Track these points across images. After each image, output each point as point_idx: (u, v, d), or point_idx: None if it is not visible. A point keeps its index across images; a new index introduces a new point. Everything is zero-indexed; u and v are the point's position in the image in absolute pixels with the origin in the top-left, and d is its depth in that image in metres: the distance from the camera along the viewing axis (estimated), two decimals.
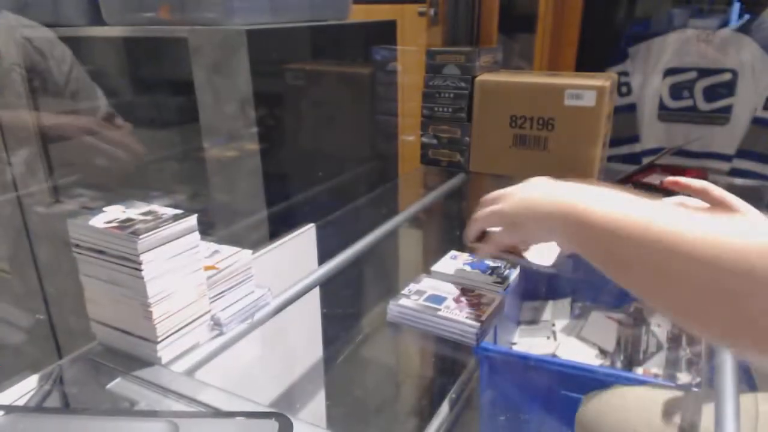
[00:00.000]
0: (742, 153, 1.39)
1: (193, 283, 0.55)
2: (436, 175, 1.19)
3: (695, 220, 0.41)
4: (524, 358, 0.87)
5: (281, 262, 0.81)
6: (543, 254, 0.69)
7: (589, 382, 0.77)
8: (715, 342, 0.42)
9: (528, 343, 1.08)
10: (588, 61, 1.58)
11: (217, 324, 0.58)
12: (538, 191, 0.55)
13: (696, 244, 0.39)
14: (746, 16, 1.38)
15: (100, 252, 0.51)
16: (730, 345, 0.41)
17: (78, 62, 1.17)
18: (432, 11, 1.49)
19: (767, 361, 0.40)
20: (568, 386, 0.83)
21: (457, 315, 0.63)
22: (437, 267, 0.75)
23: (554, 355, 1.03)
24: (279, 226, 1.05)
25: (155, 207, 0.54)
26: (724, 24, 1.38)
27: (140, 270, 0.49)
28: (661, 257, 0.41)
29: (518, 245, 0.70)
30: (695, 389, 0.85)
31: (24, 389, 0.50)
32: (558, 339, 1.07)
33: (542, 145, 1.08)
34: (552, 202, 0.51)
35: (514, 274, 0.74)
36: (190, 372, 0.54)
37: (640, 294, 0.45)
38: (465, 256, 0.77)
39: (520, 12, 1.74)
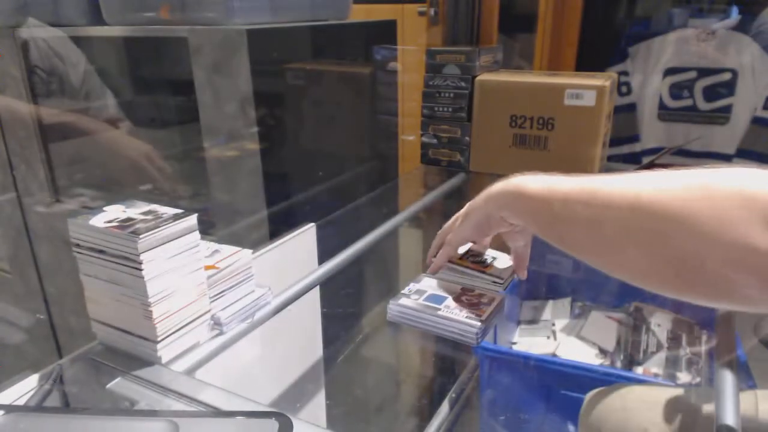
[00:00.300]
0: (742, 153, 1.39)
1: (194, 282, 0.55)
2: (436, 175, 1.19)
3: (619, 177, 0.45)
4: (524, 358, 0.87)
5: (281, 261, 0.81)
6: (500, 267, 0.71)
7: (589, 381, 0.77)
8: (642, 285, 0.44)
9: (528, 342, 1.08)
10: (588, 61, 1.58)
11: (217, 323, 0.58)
12: (485, 192, 0.61)
13: (613, 194, 0.43)
14: (745, 16, 1.38)
15: (101, 251, 0.51)
16: (653, 286, 0.44)
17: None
18: (432, 11, 1.49)
19: (690, 297, 0.42)
20: (568, 386, 0.83)
21: (457, 314, 0.63)
22: None
23: (554, 355, 1.03)
24: (279, 226, 1.05)
25: (155, 206, 0.54)
26: (724, 24, 1.38)
27: (140, 269, 0.49)
28: (581, 210, 0.46)
29: (477, 247, 0.72)
30: (695, 388, 0.85)
31: (24, 389, 0.50)
32: (558, 338, 1.07)
33: (542, 145, 1.08)
34: (501, 183, 0.57)
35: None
36: (190, 371, 0.54)
37: (574, 250, 0.49)
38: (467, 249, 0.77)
39: (520, 12, 1.74)
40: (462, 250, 0.74)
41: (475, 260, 0.72)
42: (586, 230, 0.46)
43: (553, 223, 0.50)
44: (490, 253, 0.74)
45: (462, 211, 0.66)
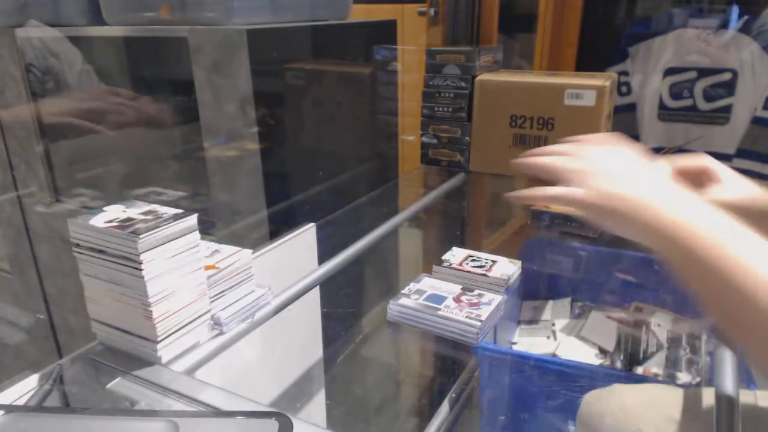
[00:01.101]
0: (742, 152, 1.39)
1: (194, 282, 0.55)
2: (436, 175, 1.19)
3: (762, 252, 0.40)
4: (524, 358, 0.87)
5: (281, 261, 0.81)
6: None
7: (589, 381, 0.77)
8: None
9: (528, 342, 1.08)
10: (588, 61, 1.58)
11: (217, 323, 0.58)
12: (631, 187, 0.50)
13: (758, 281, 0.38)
14: (745, 17, 1.38)
15: (101, 251, 0.51)
16: None
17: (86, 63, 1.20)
18: (432, 11, 1.49)
19: None
20: (568, 386, 0.83)
21: (457, 314, 0.63)
22: (438, 266, 0.75)
23: (554, 355, 1.03)
24: (279, 226, 1.05)
25: (155, 206, 0.54)
26: (724, 24, 1.38)
27: (140, 269, 0.49)
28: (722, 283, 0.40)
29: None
30: (695, 388, 0.85)
31: (24, 388, 0.50)
32: (558, 338, 1.07)
33: (542, 145, 1.07)
34: (653, 214, 0.46)
35: (515, 274, 0.74)
36: (190, 371, 0.54)
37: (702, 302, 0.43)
38: (466, 255, 0.77)
39: (520, 12, 1.74)
40: (461, 256, 0.74)
41: (475, 265, 0.72)
42: (724, 306, 0.42)
43: (713, 294, 0.43)
44: (489, 257, 0.74)
45: (589, 205, 0.51)
